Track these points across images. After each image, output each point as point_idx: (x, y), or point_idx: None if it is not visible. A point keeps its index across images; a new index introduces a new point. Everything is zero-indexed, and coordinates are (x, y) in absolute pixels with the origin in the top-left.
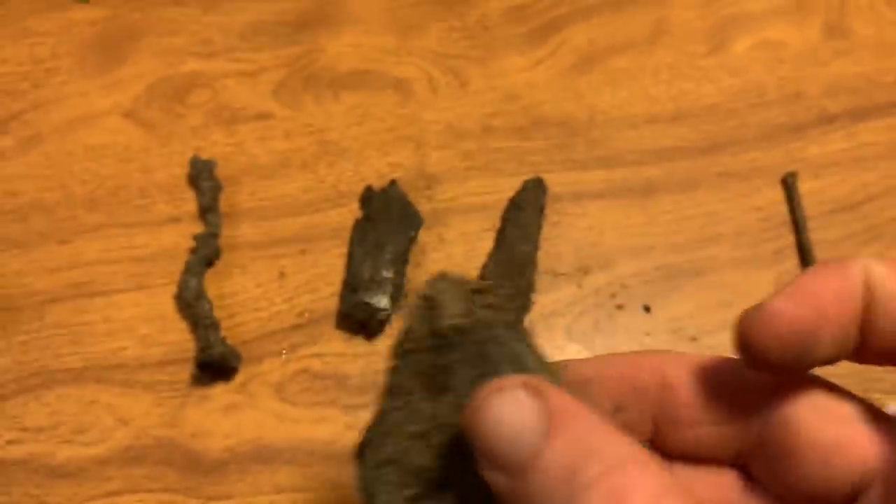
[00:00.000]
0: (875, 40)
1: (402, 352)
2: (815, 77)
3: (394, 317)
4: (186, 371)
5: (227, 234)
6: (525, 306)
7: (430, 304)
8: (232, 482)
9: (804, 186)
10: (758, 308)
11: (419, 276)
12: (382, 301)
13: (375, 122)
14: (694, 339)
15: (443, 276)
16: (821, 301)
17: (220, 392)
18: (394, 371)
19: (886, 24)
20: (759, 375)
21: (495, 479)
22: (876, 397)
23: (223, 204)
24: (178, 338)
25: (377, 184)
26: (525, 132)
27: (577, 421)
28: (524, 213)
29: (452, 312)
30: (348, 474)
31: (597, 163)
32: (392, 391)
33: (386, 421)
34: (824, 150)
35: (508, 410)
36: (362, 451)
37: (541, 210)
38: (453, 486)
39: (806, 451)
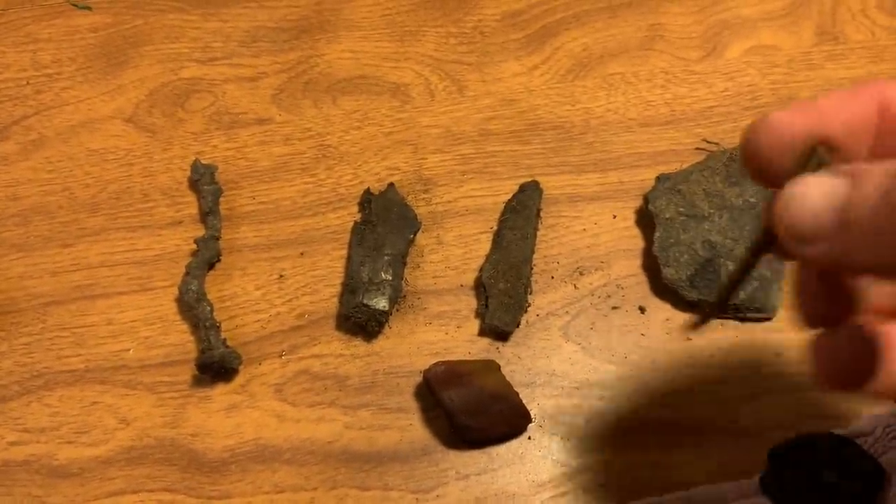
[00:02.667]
0: (867, 44)
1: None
2: (807, 81)
3: (392, 318)
4: (187, 372)
5: (227, 237)
6: (521, 307)
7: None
8: (232, 482)
9: None
10: (762, 118)
11: (417, 277)
12: (381, 302)
13: (374, 127)
14: (689, 339)
15: None
16: (824, 111)
17: (220, 393)
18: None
19: (878, 29)
20: None
21: (814, 251)
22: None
23: (224, 207)
24: (180, 339)
25: (375, 187)
26: (521, 136)
27: (872, 175)
28: (520, 216)
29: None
30: (347, 473)
31: (592, 166)
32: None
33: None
34: None
35: (814, 185)
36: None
37: (537, 213)
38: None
39: None
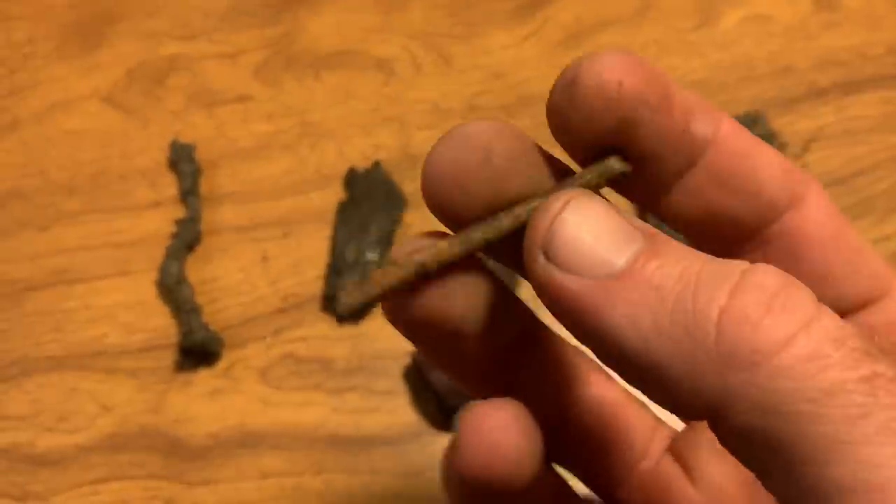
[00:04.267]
0: (864, 13)
1: None
2: (804, 51)
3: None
4: (169, 357)
5: (208, 218)
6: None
7: None
8: (216, 468)
9: (795, 162)
10: (591, 59)
11: None
12: None
13: (358, 103)
14: None
15: None
16: (667, 98)
17: (203, 378)
18: None
19: None
20: None
21: (566, 280)
22: None
23: (204, 188)
24: (161, 323)
25: (361, 165)
26: (511, 110)
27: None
28: None
29: None
30: (335, 458)
31: None
32: None
33: None
34: (815, 123)
35: (603, 212)
36: None
37: None
38: None
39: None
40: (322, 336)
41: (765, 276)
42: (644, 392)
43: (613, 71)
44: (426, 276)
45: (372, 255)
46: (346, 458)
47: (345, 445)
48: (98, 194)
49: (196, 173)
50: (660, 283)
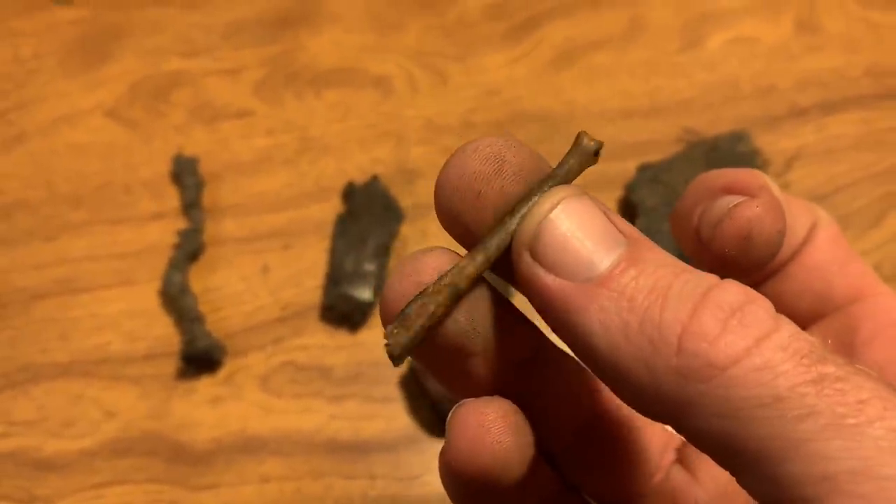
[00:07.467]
0: (844, 36)
1: None
2: (786, 71)
3: (376, 309)
4: (172, 364)
5: (210, 229)
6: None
7: None
8: (218, 473)
9: (777, 180)
10: None
11: None
12: (365, 293)
13: (356, 119)
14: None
15: None
16: None
17: (205, 385)
18: None
19: (854, 20)
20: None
21: (547, 280)
22: None
23: (206, 200)
24: (164, 332)
25: (359, 179)
26: (504, 127)
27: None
28: None
29: None
30: (334, 463)
31: None
32: None
33: None
34: (796, 142)
35: (589, 215)
36: None
37: None
38: None
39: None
40: (321, 345)
41: (725, 294)
42: (613, 390)
43: (778, 222)
44: (459, 297)
45: (369, 267)
46: (345, 463)
47: (343, 451)
48: (103, 206)
49: (199, 186)
50: (633, 294)
